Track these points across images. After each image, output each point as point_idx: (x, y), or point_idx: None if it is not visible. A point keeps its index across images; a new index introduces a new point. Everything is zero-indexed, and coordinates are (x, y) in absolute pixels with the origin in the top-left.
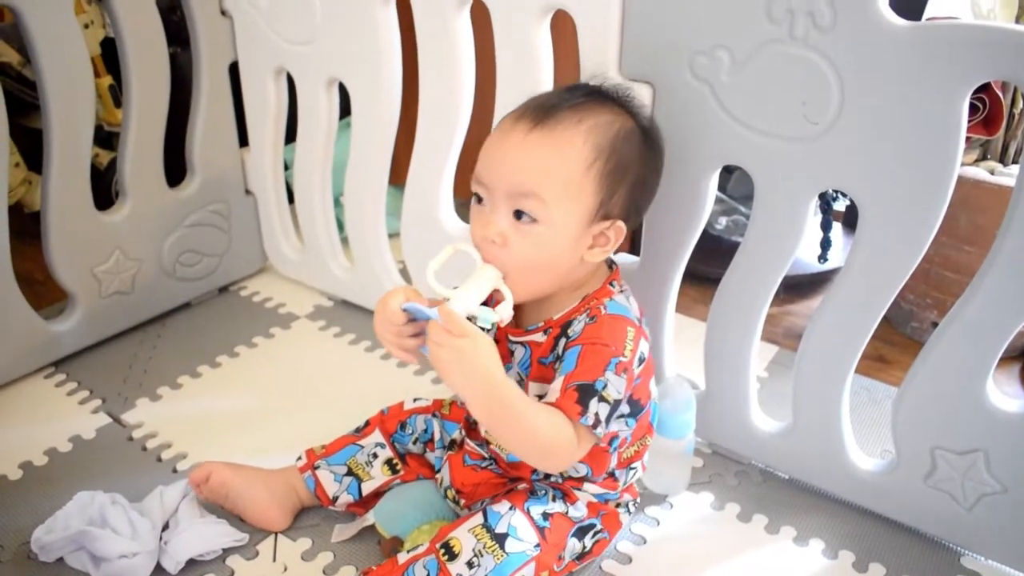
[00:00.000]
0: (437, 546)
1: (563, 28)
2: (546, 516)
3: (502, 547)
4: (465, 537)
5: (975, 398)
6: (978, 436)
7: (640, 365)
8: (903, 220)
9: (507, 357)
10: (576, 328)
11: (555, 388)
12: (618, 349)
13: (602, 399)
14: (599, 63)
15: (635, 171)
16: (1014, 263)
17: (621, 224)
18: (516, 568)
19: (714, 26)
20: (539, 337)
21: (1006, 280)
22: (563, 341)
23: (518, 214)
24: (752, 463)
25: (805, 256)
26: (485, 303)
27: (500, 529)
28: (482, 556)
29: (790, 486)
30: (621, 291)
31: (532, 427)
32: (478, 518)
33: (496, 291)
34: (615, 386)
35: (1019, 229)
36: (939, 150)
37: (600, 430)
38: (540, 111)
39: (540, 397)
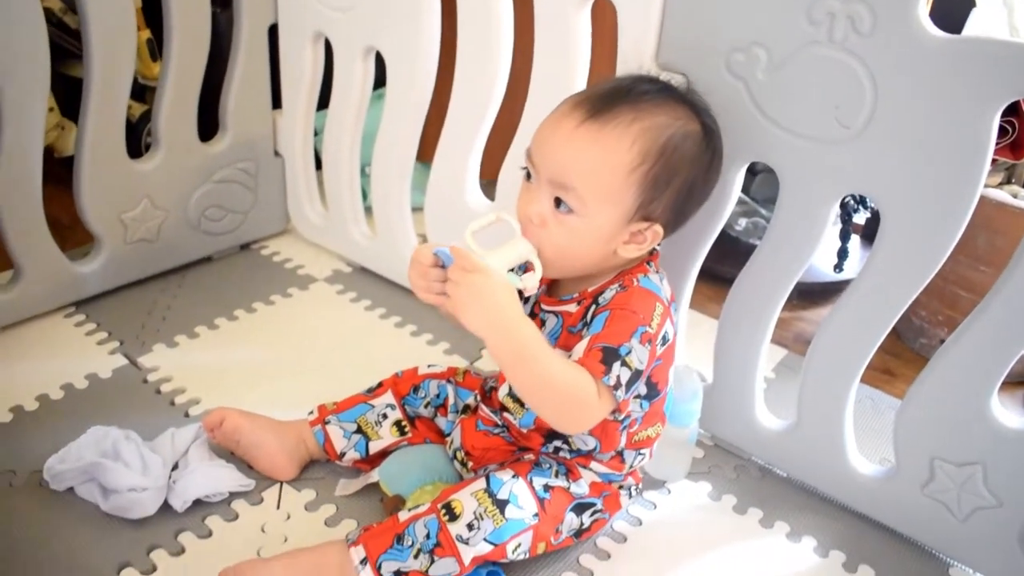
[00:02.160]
0: (439, 506)
1: (602, 16)
2: (547, 488)
3: (502, 512)
4: (467, 500)
5: (978, 412)
6: (978, 449)
7: (663, 346)
8: (924, 230)
9: (538, 327)
10: (607, 296)
11: (580, 347)
12: (646, 319)
13: (625, 364)
14: (636, 51)
15: (683, 177)
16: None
17: (659, 228)
18: (514, 534)
19: (754, 24)
20: (571, 308)
21: (1017, 300)
22: (593, 308)
23: (557, 201)
24: (752, 459)
25: (821, 265)
26: (519, 273)
27: (502, 495)
28: (482, 519)
29: (787, 484)
30: (656, 272)
31: (550, 372)
32: (481, 483)
33: (528, 262)
34: (638, 355)
35: None
36: (966, 164)
37: (620, 393)
38: (598, 102)
39: None
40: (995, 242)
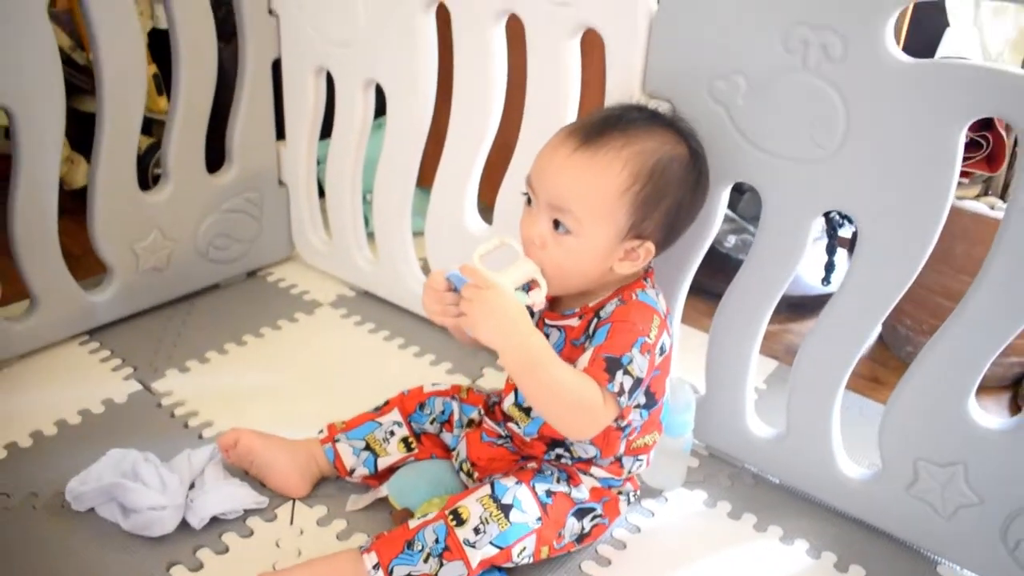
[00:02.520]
0: (447, 512)
1: (591, 46)
2: (549, 494)
3: (507, 517)
4: (473, 506)
5: (957, 413)
6: (959, 449)
7: (661, 356)
8: (899, 241)
9: None
10: (607, 310)
11: (585, 358)
12: (645, 330)
13: (627, 372)
14: (624, 80)
15: (673, 197)
16: (997, 290)
17: (651, 246)
18: (518, 538)
19: (733, 53)
20: (574, 322)
21: (989, 305)
22: (595, 322)
23: (556, 223)
24: (746, 466)
25: (809, 278)
26: (525, 290)
27: (506, 500)
28: (488, 523)
29: (780, 490)
30: (652, 288)
31: (559, 380)
32: (486, 489)
33: (533, 280)
34: (639, 364)
35: (1003, 259)
36: (935, 179)
37: (623, 399)
38: (591, 131)
39: None
40: (973, 252)
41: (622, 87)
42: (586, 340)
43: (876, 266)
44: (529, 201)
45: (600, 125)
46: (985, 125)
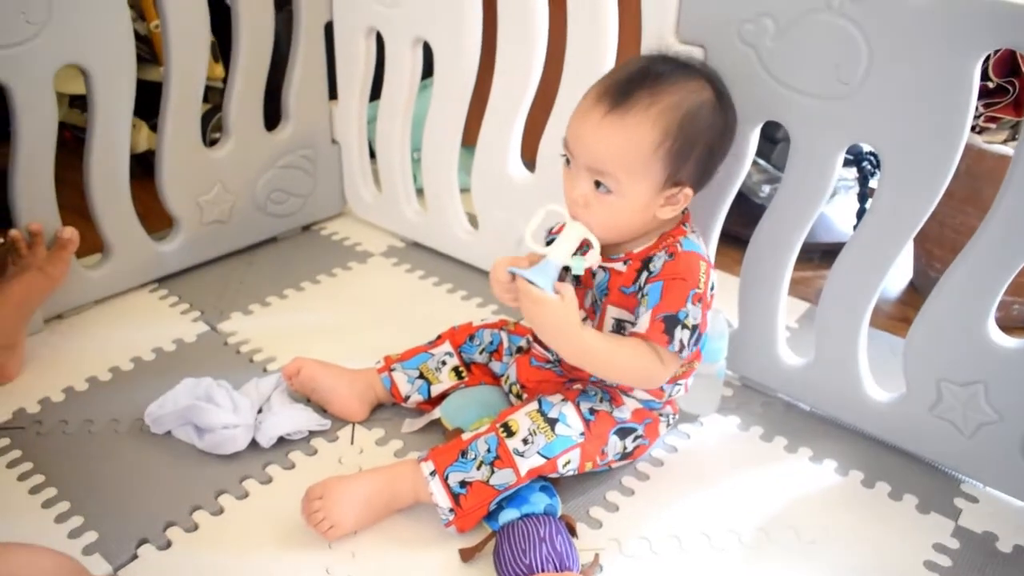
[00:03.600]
0: (498, 425)
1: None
2: (592, 411)
3: (552, 429)
4: (522, 419)
5: (977, 334)
6: (979, 369)
7: (710, 295)
8: (919, 172)
9: (589, 281)
10: (656, 264)
11: (644, 321)
12: (694, 282)
13: (684, 327)
14: (658, 28)
15: (704, 142)
16: (1011, 217)
17: (689, 191)
18: (564, 449)
19: None
20: (619, 266)
21: (1004, 230)
22: (645, 275)
23: (597, 183)
24: (778, 395)
25: (842, 226)
26: (579, 249)
27: (552, 415)
28: (535, 435)
29: (810, 416)
30: (693, 231)
31: (613, 361)
32: (534, 404)
33: (585, 240)
34: (693, 315)
35: (1017, 188)
36: (952, 110)
37: (684, 353)
38: (618, 92)
39: (619, 321)
40: None
41: (657, 35)
42: (638, 292)
43: (898, 196)
44: (568, 162)
45: (626, 84)
46: (1012, 71)
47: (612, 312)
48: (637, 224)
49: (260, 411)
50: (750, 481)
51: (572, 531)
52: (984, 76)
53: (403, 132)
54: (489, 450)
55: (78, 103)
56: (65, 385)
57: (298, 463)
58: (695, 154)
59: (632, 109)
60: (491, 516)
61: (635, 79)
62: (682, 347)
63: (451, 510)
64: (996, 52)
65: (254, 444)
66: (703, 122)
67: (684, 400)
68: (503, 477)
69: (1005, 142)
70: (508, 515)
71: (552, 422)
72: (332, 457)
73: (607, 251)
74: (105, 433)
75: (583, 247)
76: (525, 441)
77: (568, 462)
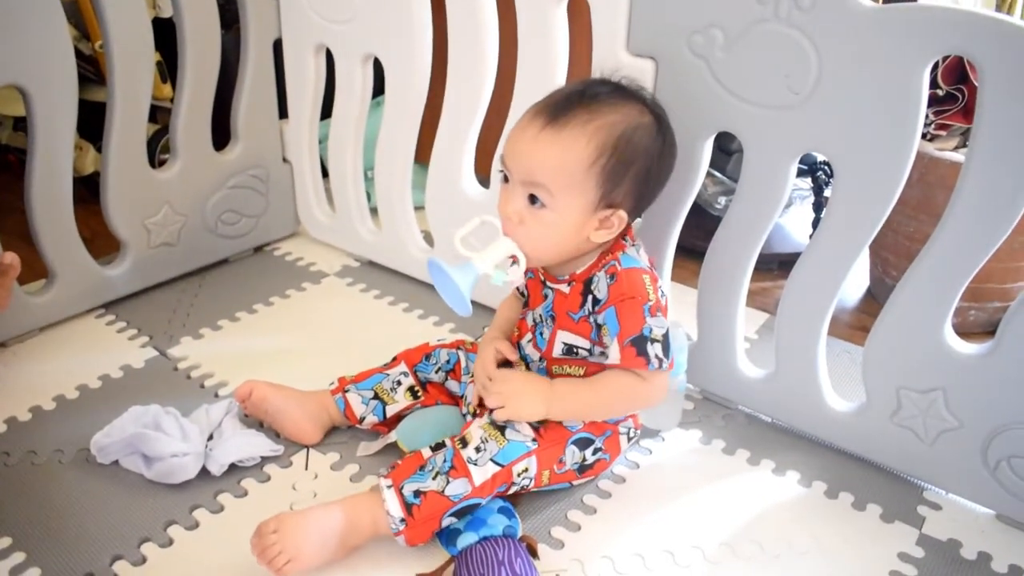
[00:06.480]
0: (455, 439)
1: (576, 12)
2: (541, 422)
3: (503, 434)
4: (475, 430)
5: (934, 342)
6: (937, 376)
7: (663, 301)
8: (871, 179)
9: (540, 299)
10: (601, 289)
11: (614, 352)
12: (644, 296)
13: (653, 341)
14: (609, 43)
15: (640, 165)
16: (963, 223)
17: (623, 214)
18: (518, 456)
19: (709, 7)
20: (564, 288)
21: (957, 236)
22: (590, 298)
23: (532, 198)
24: (739, 408)
25: (798, 236)
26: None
27: (501, 423)
28: (487, 442)
29: (772, 428)
30: (632, 245)
31: (597, 402)
32: (485, 418)
33: (513, 256)
34: (657, 326)
35: (968, 194)
36: (902, 117)
37: (664, 364)
38: (555, 109)
39: (569, 346)
40: None
41: (607, 50)
42: (587, 316)
43: (851, 204)
44: (506, 179)
45: (565, 102)
46: (961, 78)
47: (562, 337)
48: (571, 246)
49: (211, 438)
50: (713, 495)
51: (533, 553)
52: (933, 84)
53: (355, 150)
54: (445, 460)
55: (23, 126)
56: (7, 415)
57: (251, 490)
58: (631, 175)
59: (568, 124)
60: (450, 541)
61: (573, 98)
62: (660, 361)
63: (402, 520)
64: (944, 59)
65: (204, 472)
66: (639, 144)
67: (645, 415)
68: (458, 487)
69: (956, 149)
70: (466, 539)
71: (501, 428)
72: (286, 483)
73: (554, 272)
74: (49, 464)
75: (513, 263)
76: (478, 449)
77: (525, 469)
